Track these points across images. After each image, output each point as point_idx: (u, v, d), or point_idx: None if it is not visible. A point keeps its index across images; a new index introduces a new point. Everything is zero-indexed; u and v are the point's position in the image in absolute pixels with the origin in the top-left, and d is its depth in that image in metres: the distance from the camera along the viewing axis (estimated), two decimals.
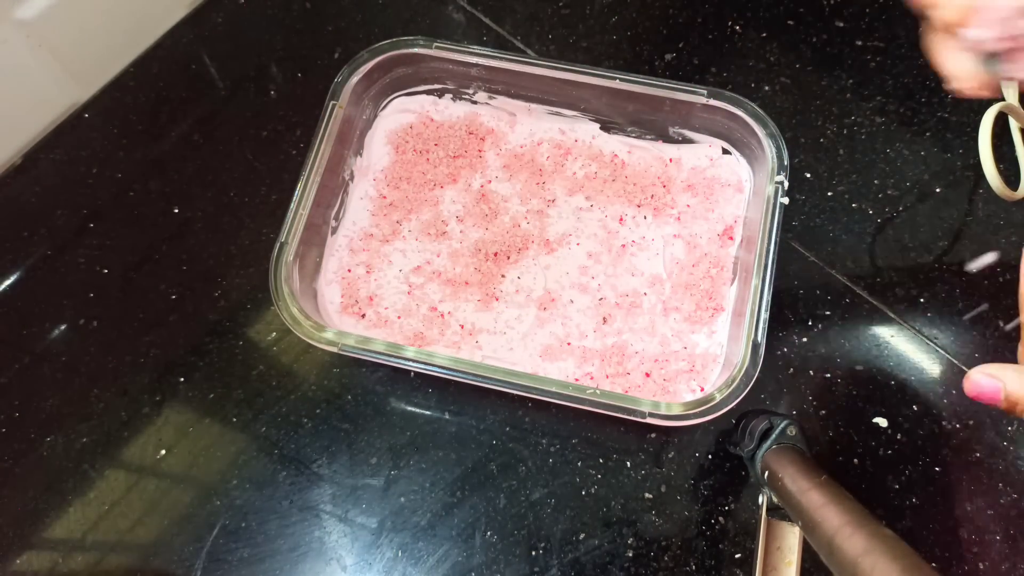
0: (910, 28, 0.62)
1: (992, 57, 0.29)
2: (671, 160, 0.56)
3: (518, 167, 0.56)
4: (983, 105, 0.51)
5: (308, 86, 0.61)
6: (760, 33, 0.63)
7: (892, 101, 0.60)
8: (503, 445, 0.51)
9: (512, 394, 0.49)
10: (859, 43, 0.62)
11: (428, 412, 0.52)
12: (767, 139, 0.51)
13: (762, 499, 0.48)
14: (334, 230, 0.54)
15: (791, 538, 0.46)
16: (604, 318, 0.52)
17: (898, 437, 0.50)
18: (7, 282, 0.55)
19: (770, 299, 0.46)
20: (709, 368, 0.50)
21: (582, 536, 0.49)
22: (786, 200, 0.49)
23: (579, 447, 0.51)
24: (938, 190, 0.57)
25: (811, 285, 0.54)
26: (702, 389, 0.49)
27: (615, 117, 0.57)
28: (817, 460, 0.46)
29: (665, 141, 0.57)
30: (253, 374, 0.53)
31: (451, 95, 0.58)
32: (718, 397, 0.44)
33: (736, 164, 0.55)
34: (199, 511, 0.50)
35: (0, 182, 0.58)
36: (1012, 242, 0.55)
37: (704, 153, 0.56)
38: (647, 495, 0.49)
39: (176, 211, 0.57)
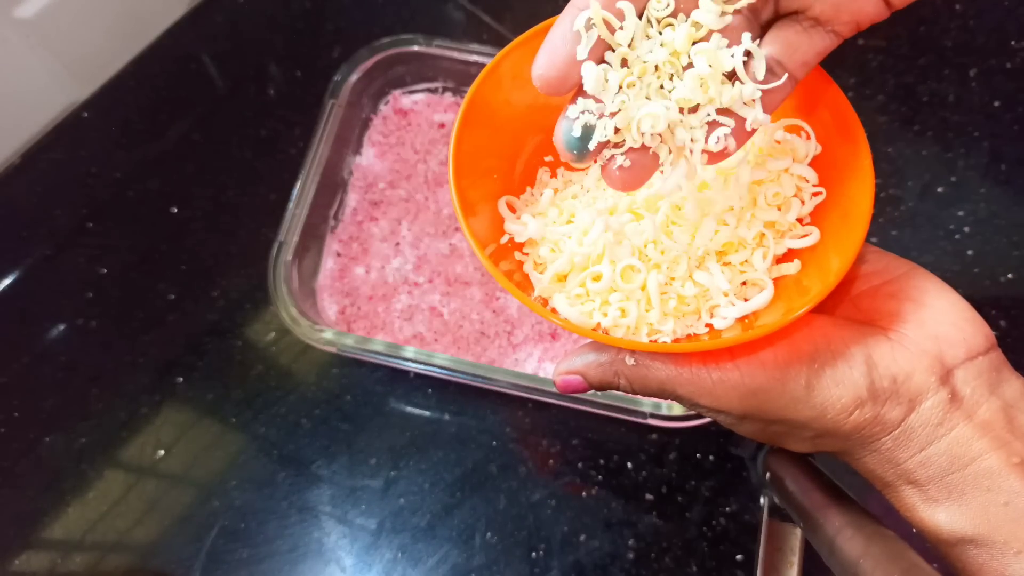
0: (911, 27, 0.62)
1: None
2: None
3: None
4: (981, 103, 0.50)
5: (307, 85, 0.61)
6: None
7: (894, 101, 0.59)
8: (503, 446, 0.51)
9: (512, 394, 0.49)
10: (861, 42, 0.61)
11: (428, 413, 0.52)
12: None
13: (763, 500, 0.48)
14: (333, 229, 0.54)
15: (793, 539, 0.46)
16: None
17: None
18: (6, 282, 0.55)
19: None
20: None
21: (583, 537, 0.48)
22: None
23: (580, 448, 0.50)
24: (940, 190, 0.56)
25: None
26: None
27: None
28: (818, 461, 0.46)
29: None
30: (252, 374, 0.53)
31: (451, 93, 0.58)
32: None
33: None
34: (198, 511, 0.49)
35: None
36: (1014, 241, 0.55)
37: None
38: (648, 496, 0.49)
39: (175, 211, 0.57)
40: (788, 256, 0.29)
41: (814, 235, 0.29)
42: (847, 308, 0.28)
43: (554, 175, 0.33)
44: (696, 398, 0.27)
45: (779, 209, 0.29)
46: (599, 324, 0.27)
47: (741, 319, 0.28)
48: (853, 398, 0.25)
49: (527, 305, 0.27)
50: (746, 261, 0.29)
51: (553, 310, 0.28)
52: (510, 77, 0.30)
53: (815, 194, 0.29)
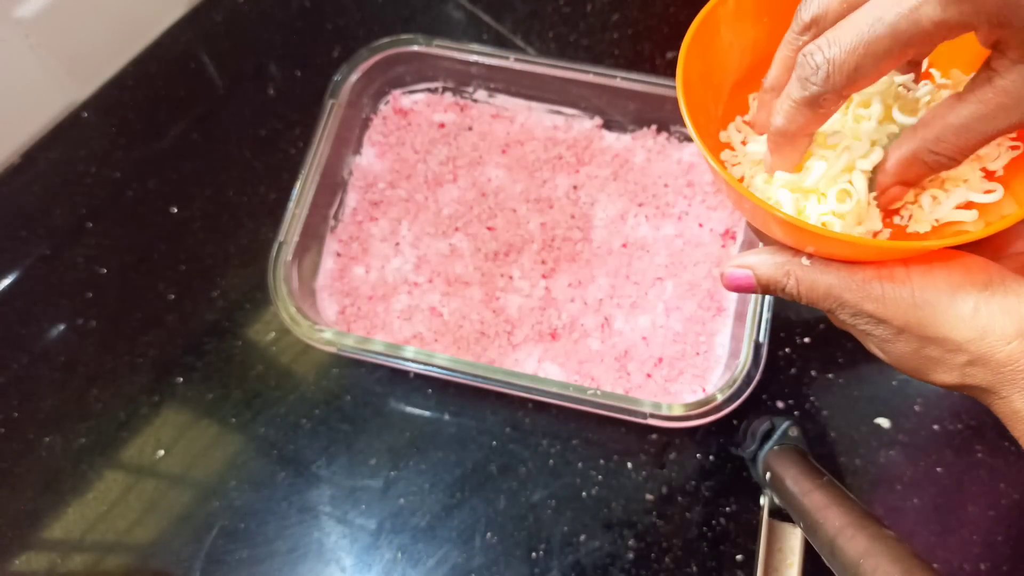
0: None
1: None
2: (672, 159, 0.56)
3: (518, 166, 0.56)
4: None
5: (307, 84, 0.61)
6: None
7: None
8: (503, 446, 0.51)
9: (512, 395, 0.49)
10: None
11: (427, 413, 0.51)
12: None
13: (764, 500, 0.48)
14: (333, 229, 0.54)
15: (793, 539, 0.46)
16: (605, 318, 0.51)
17: (900, 438, 0.50)
18: (5, 282, 0.55)
19: (772, 299, 0.46)
20: (711, 369, 0.50)
21: (583, 537, 0.48)
22: None
23: (580, 448, 0.50)
24: None
25: None
26: (704, 390, 0.49)
27: (616, 115, 0.56)
28: (819, 461, 0.46)
29: (666, 140, 0.56)
30: (252, 374, 0.52)
31: (451, 93, 0.58)
32: (720, 398, 0.44)
33: None
34: (197, 512, 0.49)
35: None
36: None
37: None
38: (648, 496, 0.49)
39: (174, 210, 0.57)
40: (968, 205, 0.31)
41: (998, 192, 0.30)
42: (1017, 266, 0.30)
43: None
44: (862, 304, 0.28)
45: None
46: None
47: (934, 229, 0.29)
48: (1017, 329, 0.26)
49: (758, 203, 0.27)
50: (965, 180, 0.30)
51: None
52: (733, 11, 0.32)
53: (1012, 147, 0.30)
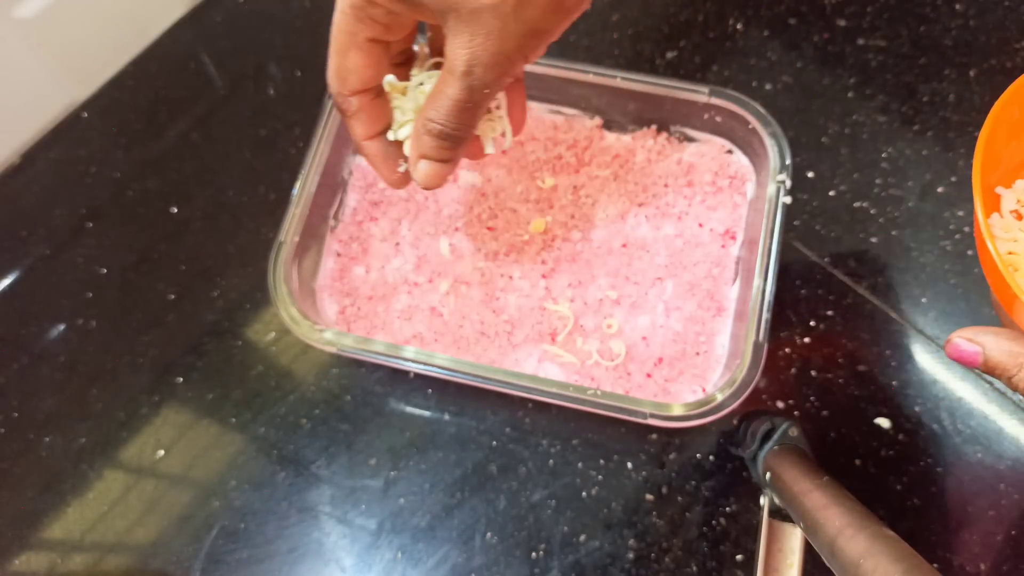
0: (912, 27, 0.62)
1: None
2: (672, 159, 0.56)
3: (518, 166, 0.56)
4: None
5: (307, 84, 0.61)
6: (762, 32, 0.62)
7: (894, 100, 0.59)
8: (503, 446, 0.51)
9: (512, 395, 0.49)
10: (861, 42, 0.61)
11: (427, 413, 0.52)
12: (769, 138, 0.50)
13: (764, 500, 0.48)
14: (333, 229, 0.54)
15: (793, 540, 0.46)
16: (605, 318, 0.51)
17: (900, 438, 0.50)
18: (5, 282, 0.55)
19: (772, 299, 0.46)
20: (711, 369, 0.50)
21: (583, 538, 0.48)
22: (788, 199, 0.48)
23: (580, 448, 0.50)
24: (940, 190, 0.56)
25: (813, 285, 0.54)
26: (703, 390, 0.49)
27: (616, 116, 0.56)
28: (819, 461, 0.46)
29: (666, 140, 0.56)
30: (252, 374, 0.52)
31: None
32: (719, 398, 0.44)
33: (738, 163, 0.55)
34: (197, 512, 0.49)
35: None
36: None
37: (705, 152, 0.55)
38: (648, 496, 0.49)
39: (174, 211, 0.57)
40: None
41: None
42: None
43: None
44: None
45: None
46: None
47: None
48: None
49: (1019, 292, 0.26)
50: None
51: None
52: None
53: None
